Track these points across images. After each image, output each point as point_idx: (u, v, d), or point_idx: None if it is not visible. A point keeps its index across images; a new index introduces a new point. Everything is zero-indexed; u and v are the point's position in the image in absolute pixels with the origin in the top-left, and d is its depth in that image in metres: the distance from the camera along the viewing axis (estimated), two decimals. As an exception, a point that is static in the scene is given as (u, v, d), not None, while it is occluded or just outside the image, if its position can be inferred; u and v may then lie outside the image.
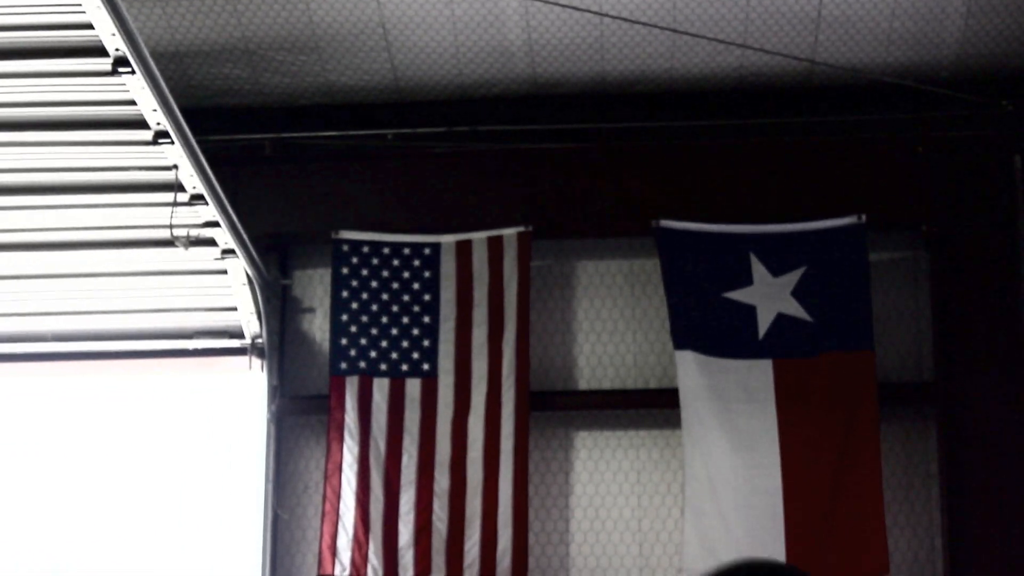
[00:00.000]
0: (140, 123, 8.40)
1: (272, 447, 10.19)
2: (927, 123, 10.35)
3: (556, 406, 10.24)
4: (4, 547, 10.75)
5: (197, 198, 8.90)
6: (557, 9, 9.31)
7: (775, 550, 9.47)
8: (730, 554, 8.85)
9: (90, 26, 7.62)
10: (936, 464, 10.07)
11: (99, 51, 7.85)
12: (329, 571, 9.67)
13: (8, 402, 11.02)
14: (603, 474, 10.18)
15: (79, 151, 8.83)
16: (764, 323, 9.98)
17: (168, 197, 8.95)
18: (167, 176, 8.81)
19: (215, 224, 9.14)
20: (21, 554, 10.78)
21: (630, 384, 10.30)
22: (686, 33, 9.70)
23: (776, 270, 10.05)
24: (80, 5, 7.40)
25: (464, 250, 10.04)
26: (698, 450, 9.73)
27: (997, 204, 10.32)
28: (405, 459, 9.81)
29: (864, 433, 9.80)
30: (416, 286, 10.01)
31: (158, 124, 8.38)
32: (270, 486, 10.15)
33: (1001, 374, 10.10)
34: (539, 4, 9.30)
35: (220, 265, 9.58)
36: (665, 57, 10.12)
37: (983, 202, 10.31)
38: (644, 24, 9.54)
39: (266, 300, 10.02)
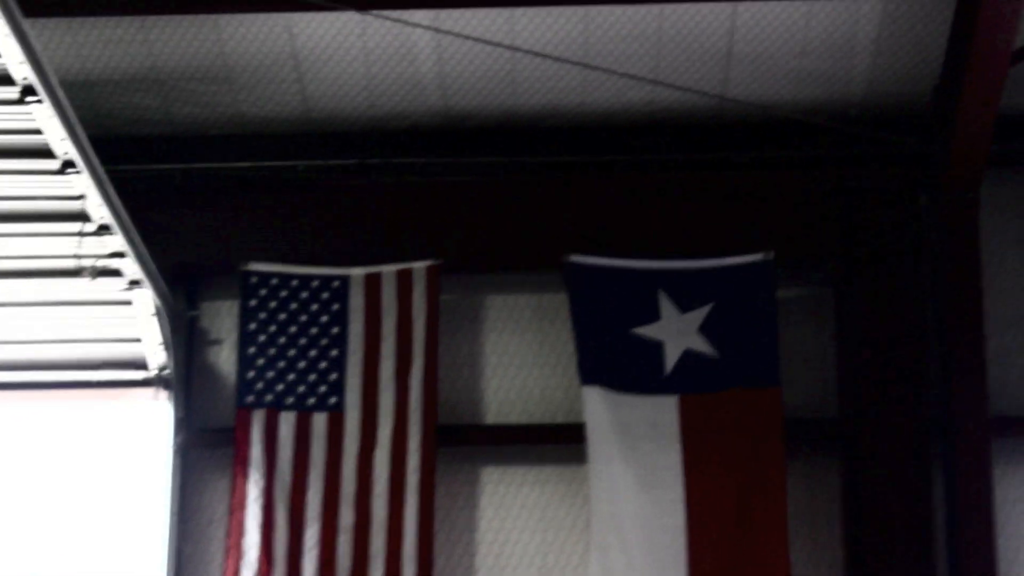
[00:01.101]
0: (48, 152, 8.35)
1: (177, 480, 10.13)
2: (836, 161, 10.44)
3: (463, 441, 10.26)
4: None
5: (104, 228, 8.85)
6: (469, 42, 9.38)
7: None
8: None
9: None
10: (839, 500, 10.15)
11: (6, 79, 7.80)
12: None
13: None
14: (509, 509, 10.21)
15: None
16: (671, 359, 10.03)
17: (75, 227, 8.92)
18: (74, 206, 8.75)
19: (122, 255, 9.08)
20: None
21: (537, 419, 10.34)
22: (597, 68, 9.73)
23: (684, 306, 10.10)
24: None
25: (373, 283, 10.05)
26: (603, 486, 9.76)
27: (902, 242, 10.39)
28: (310, 494, 9.79)
29: (769, 469, 9.87)
30: (324, 319, 9.99)
31: (66, 153, 8.33)
32: (174, 519, 10.08)
33: (903, 412, 10.18)
34: (451, 37, 9.36)
35: (127, 296, 9.49)
36: (576, 91, 10.17)
37: (889, 240, 10.38)
38: (555, 59, 9.57)
39: (173, 331, 9.96)
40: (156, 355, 9.96)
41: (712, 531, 9.79)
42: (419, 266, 10.06)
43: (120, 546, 10.41)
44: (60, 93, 8.08)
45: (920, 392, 10.23)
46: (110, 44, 9.53)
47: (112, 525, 10.48)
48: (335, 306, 10.03)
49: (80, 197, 8.72)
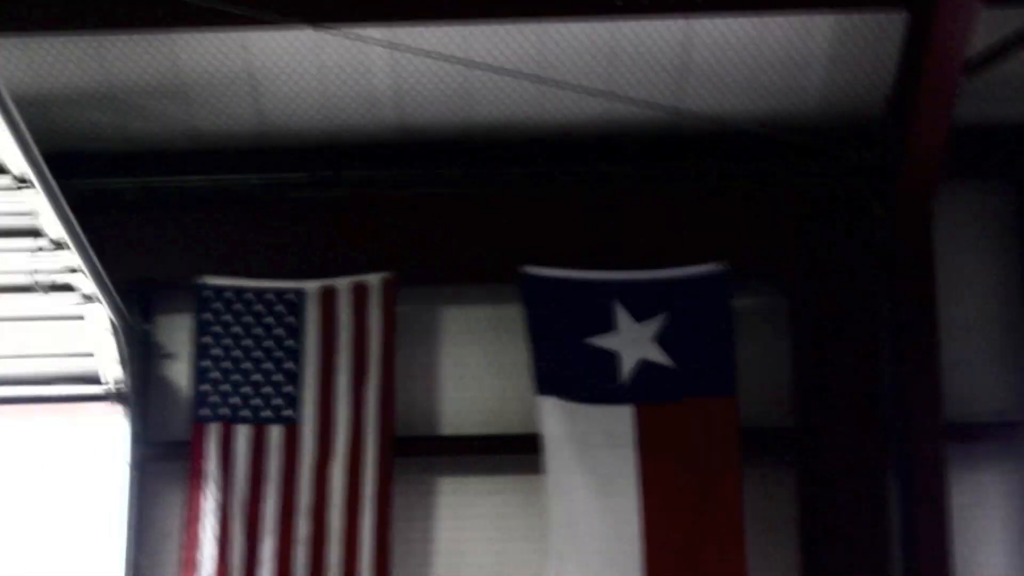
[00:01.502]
0: (1, 169, 8.36)
1: (134, 493, 10.17)
2: (790, 173, 10.47)
3: (418, 452, 10.29)
4: None
5: (58, 244, 8.86)
6: (424, 58, 9.37)
7: None
8: None
9: None
10: (794, 508, 10.19)
11: None
12: None
13: None
14: (465, 520, 10.26)
15: None
16: (626, 369, 10.09)
17: (29, 243, 8.93)
18: (28, 221, 8.76)
19: (76, 270, 9.11)
20: None
21: (493, 430, 10.38)
22: (552, 82, 9.75)
23: (639, 316, 10.15)
24: None
25: (328, 296, 10.09)
26: (560, 495, 9.81)
27: (857, 252, 10.46)
28: (266, 506, 9.84)
29: (726, 478, 9.95)
30: (279, 332, 10.03)
31: (20, 170, 8.32)
32: (131, 532, 10.12)
33: (859, 420, 10.26)
34: (407, 53, 9.38)
35: (81, 311, 9.52)
36: (532, 105, 10.20)
37: (843, 250, 10.45)
38: (511, 73, 9.61)
39: (128, 345, 10.02)
40: (111, 370, 9.99)
41: (669, 539, 9.85)
42: (375, 279, 10.12)
43: (78, 559, 10.43)
44: (13, 109, 8.06)
45: (875, 400, 10.30)
46: (63, 60, 9.54)
47: (70, 538, 10.52)
48: (290, 319, 10.07)
49: (33, 213, 8.70)
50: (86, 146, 10.19)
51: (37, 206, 8.63)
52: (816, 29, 9.99)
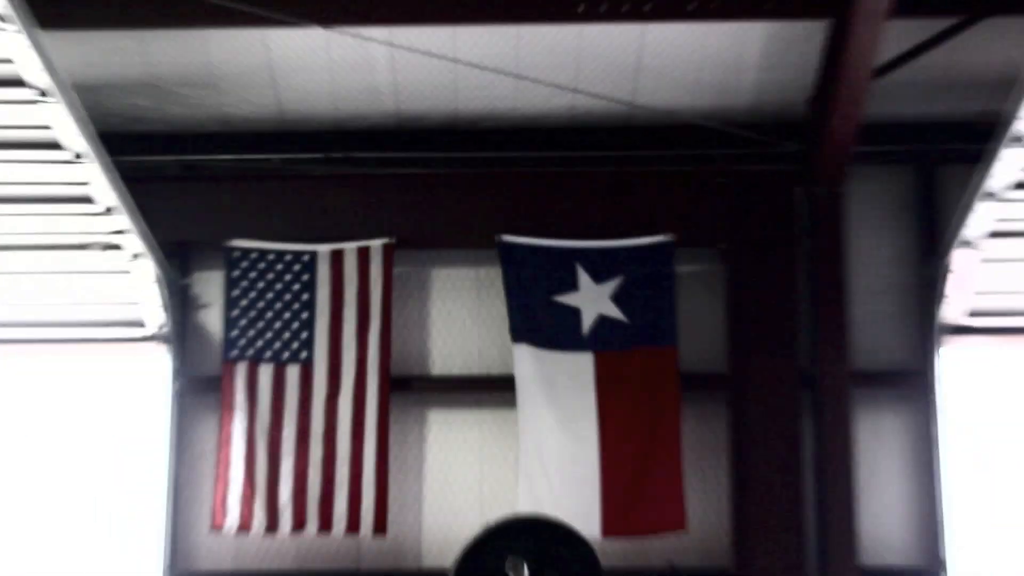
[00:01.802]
0: (59, 145, 8.43)
1: (175, 420, 10.19)
2: (726, 159, 10.47)
3: (413, 389, 10.34)
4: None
5: (110, 209, 8.94)
6: (419, 55, 9.34)
7: (592, 510, 9.72)
8: (556, 513, 9.02)
9: (10, 60, 7.67)
10: (725, 439, 10.26)
11: (26, 84, 7.90)
12: (220, 524, 9.74)
13: None
14: (451, 445, 10.29)
15: (2, 171, 8.78)
16: (587, 322, 10.09)
17: (85, 208, 8.99)
18: (85, 191, 8.84)
19: (126, 232, 9.19)
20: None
21: (475, 371, 10.40)
22: (526, 78, 9.74)
23: (598, 279, 10.17)
24: (13, 51, 7.51)
25: (337, 258, 10.09)
26: (530, 426, 9.85)
27: (780, 227, 10.49)
28: (285, 432, 9.85)
29: (668, 414, 9.98)
30: (296, 287, 10.05)
31: (77, 146, 8.43)
32: (173, 452, 10.16)
33: (779, 367, 10.29)
34: (404, 51, 9.34)
35: (129, 267, 9.57)
36: (509, 98, 10.19)
37: (768, 225, 10.48)
38: (491, 70, 9.57)
39: (169, 296, 10.03)
40: (155, 316, 10.03)
41: (621, 463, 9.88)
42: (376, 243, 10.11)
43: (129, 473, 10.48)
44: (72, 95, 8.22)
45: (793, 351, 10.34)
46: (114, 54, 9.52)
47: (122, 457, 10.54)
48: (305, 276, 10.08)
49: (88, 183, 8.76)
50: (132, 128, 10.12)
51: (92, 178, 8.72)
52: (749, 36, 9.98)
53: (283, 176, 10.50)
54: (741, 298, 10.42)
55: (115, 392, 10.72)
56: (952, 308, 10.23)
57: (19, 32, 7.51)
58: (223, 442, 9.85)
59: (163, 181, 10.35)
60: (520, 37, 9.77)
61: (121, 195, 8.90)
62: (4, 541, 10.48)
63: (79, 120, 8.33)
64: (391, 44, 9.24)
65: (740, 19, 9.71)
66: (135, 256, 9.44)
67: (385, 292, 10.03)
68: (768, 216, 10.50)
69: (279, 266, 10.07)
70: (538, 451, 9.82)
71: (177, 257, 10.31)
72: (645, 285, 10.17)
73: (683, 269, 10.32)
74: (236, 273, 10.03)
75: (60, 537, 10.54)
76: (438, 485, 10.23)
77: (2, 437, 10.63)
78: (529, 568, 4.65)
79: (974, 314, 10.33)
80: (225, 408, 9.90)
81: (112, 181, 8.78)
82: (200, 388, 10.28)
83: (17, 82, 7.91)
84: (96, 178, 8.70)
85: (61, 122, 8.26)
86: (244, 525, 9.71)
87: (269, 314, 10.01)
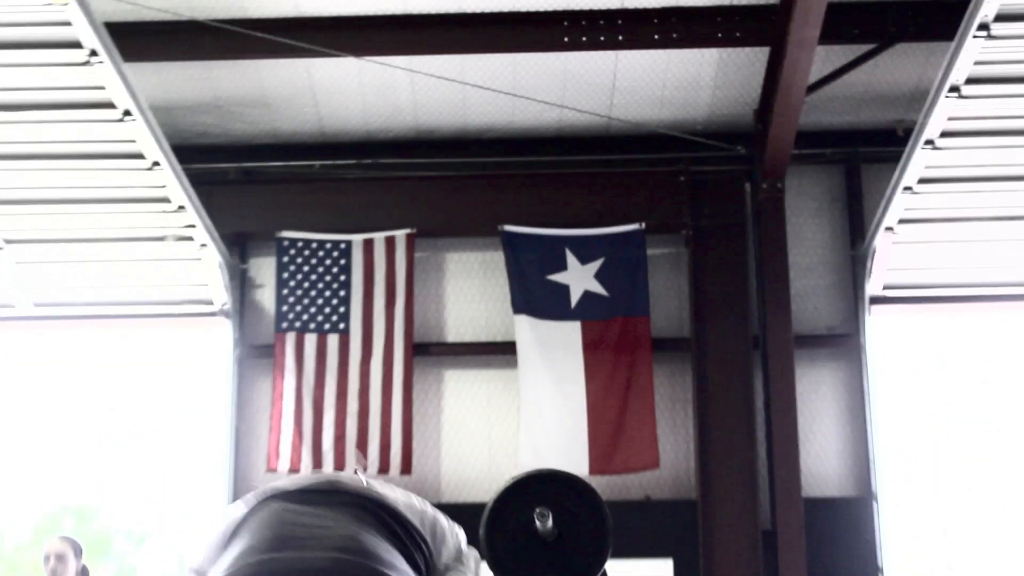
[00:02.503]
0: (140, 156, 8.58)
1: (235, 381, 10.24)
2: (687, 161, 10.45)
3: (432, 353, 10.34)
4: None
5: (182, 207, 9.03)
6: (434, 79, 9.38)
7: (581, 453, 9.75)
8: (551, 455, 9.15)
9: (103, 87, 7.86)
10: (690, 393, 10.30)
11: (111, 105, 8.07)
12: (274, 467, 9.80)
13: (50, 351, 11.08)
14: (464, 400, 10.31)
15: (95, 176, 8.91)
16: (575, 296, 10.10)
17: (162, 207, 9.09)
18: (161, 192, 8.95)
19: (194, 226, 9.27)
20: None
21: (483, 338, 10.39)
22: (522, 97, 9.77)
23: (583, 260, 10.16)
24: (104, 79, 7.73)
25: (368, 246, 10.10)
26: (529, 384, 9.86)
27: (733, 216, 10.52)
28: (327, 390, 9.87)
29: (642, 372, 10.00)
30: (335, 270, 10.05)
31: (154, 156, 8.58)
32: (234, 409, 10.22)
33: (734, 333, 10.34)
34: (421, 76, 9.39)
35: (198, 254, 9.63)
36: (507, 114, 10.18)
37: (723, 215, 10.49)
38: (493, 90, 9.61)
39: (231, 279, 10.07)
40: (219, 295, 10.06)
41: (603, 414, 9.90)
42: (400, 233, 10.12)
43: (199, 425, 10.68)
44: (149, 115, 8.34)
45: (745, 318, 10.39)
46: (184, 81, 9.55)
47: (191, 413, 10.74)
48: (342, 261, 10.09)
49: (163, 186, 8.89)
50: (199, 141, 10.17)
51: (167, 182, 8.84)
52: (704, 61, 9.99)
53: (323, 179, 10.51)
54: (701, 275, 10.41)
55: (188, 358, 10.85)
56: (875, 282, 10.25)
57: (109, 64, 7.71)
58: (275, 399, 9.90)
59: (225, 184, 10.35)
60: (516, 63, 9.80)
61: (190, 196, 8.99)
62: (97, 479, 10.61)
63: (156, 135, 8.45)
64: (411, 70, 9.29)
65: (697, 47, 9.72)
66: (202, 246, 9.50)
67: (408, 273, 10.05)
68: (722, 208, 10.50)
69: (321, 253, 10.07)
70: (536, 404, 9.84)
71: (237, 246, 10.33)
72: (622, 265, 10.17)
73: (653, 252, 10.32)
74: (286, 259, 10.05)
75: (145, 478, 10.67)
76: (453, 433, 10.26)
77: (97, 394, 10.76)
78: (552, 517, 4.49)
79: (892, 287, 10.34)
80: (277, 371, 9.93)
81: (183, 185, 8.88)
82: (256, 355, 10.30)
83: (108, 104, 8.06)
84: (170, 182, 8.81)
85: (142, 137, 8.38)
86: (294, 467, 9.75)
87: (313, 292, 10.00)
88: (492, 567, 4.68)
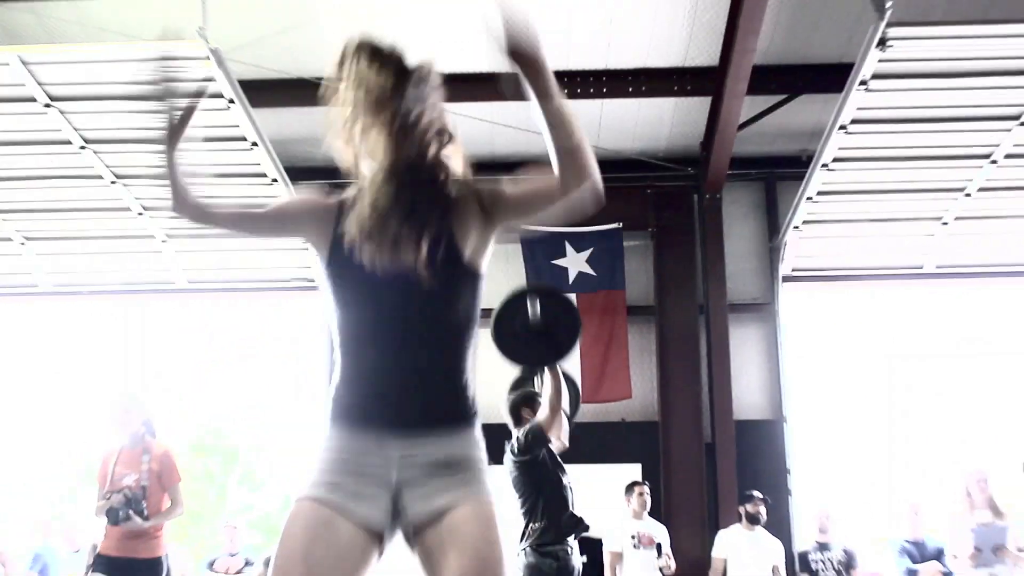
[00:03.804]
0: (264, 175, 8.73)
1: (331, 347, 10.02)
2: (653, 179, 10.50)
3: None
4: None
5: None
6: (469, 118, 9.01)
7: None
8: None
9: (237, 126, 7.93)
10: (654, 345, 10.39)
11: (242, 139, 8.18)
12: None
13: (199, 317, 11.31)
14: (491, 350, 10.34)
15: (230, 190, 8.55)
16: (572, 275, 10.15)
17: None
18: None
19: None
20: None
21: None
22: (535, 132, 9.60)
23: (578, 250, 10.19)
24: (238, 119, 7.82)
25: None
26: None
27: (685, 219, 10.57)
28: None
29: (620, 330, 10.08)
30: None
31: (273, 174, 8.74)
32: (330, 368, 10.15)
33: (686, 303, 10.42)
34: (461, 116, 9.27)
35: (304, 246, 9.54)
36: (524, 144, 9.09)
37: (678, 218, 10.56)
38: (513, 127, 9.41)
39: None
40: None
41: (592, 360, 9.91)
42: None
43: (301, 376, 10.89)
44: (269, 146, 8.46)
45: (693, 292, 10.45)
46: (295, 121, 9.32)
47: (294, 370, 10.84)
48: None
49: (279, 196, 8.85)
50: (306, 164, 9.62)
51: (282, 193, 8.88)
52: (665, 107, 10.01)
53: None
54: (662, 261, 10.49)
55: (292, 326, 11.00)
56: (786, 265, 10.36)
57: (241, 109, 7.90)
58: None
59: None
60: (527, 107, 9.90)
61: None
62: (230, 408, 10.89)
63: (275, 160, 8.60)
64: (456, 113, 9.22)
65: (660, 97, 9.77)
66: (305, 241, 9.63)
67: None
68: (677, 212, 10.56)
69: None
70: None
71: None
72: (605, 253, 10.21)
73: (627, 244, 10.34)
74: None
75: (263, 408, 10.87)
76: (486, 383, 10.42)
77: (233, 344, 10.97)
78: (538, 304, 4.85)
79: (798, 269, 10.45)
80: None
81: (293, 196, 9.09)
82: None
83: (240, 138, 8.21)
84: (284, 194, 8.75)
85: (265, 161, 8.51)
86: None
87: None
88: (499, 349, 5.03)
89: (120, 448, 6.25)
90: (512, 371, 6.82)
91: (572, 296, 9.87)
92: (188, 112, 2.65)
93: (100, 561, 6.03)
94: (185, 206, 2.67)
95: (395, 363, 2.58)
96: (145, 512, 5.99)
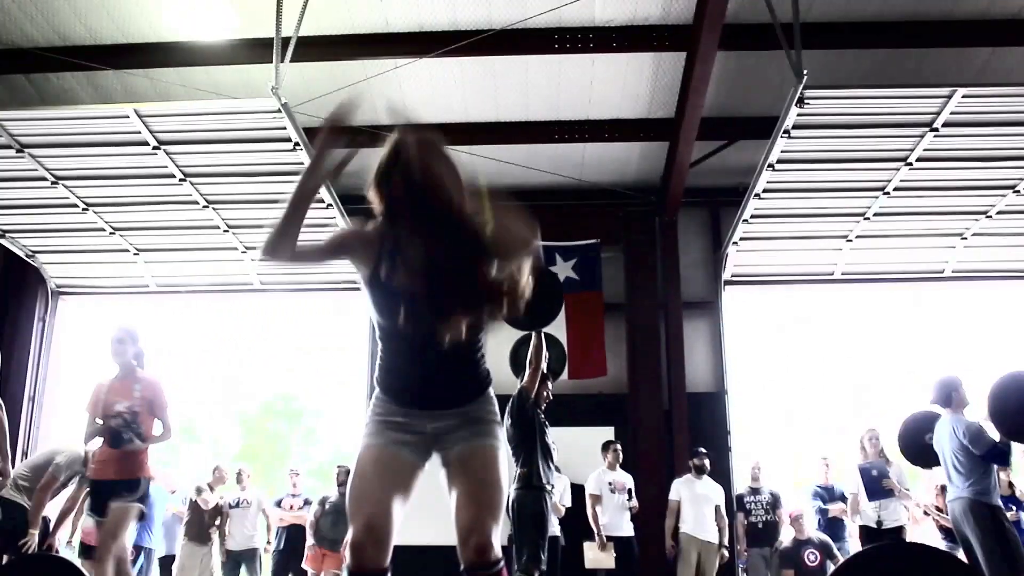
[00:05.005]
0: (322, 201, 8.60)
1: (373, 337, 10.01)
2: (624, 205, 10.44)
3: None
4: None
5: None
6: (481, 158, 9.15)
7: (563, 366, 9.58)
8: (545, 365, 9.24)
9: (301, 163, 7.81)
10: (624, 334, 10.31)
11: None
12: None
13: (269, 311, 11.25)
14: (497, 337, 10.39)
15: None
16: (561, 279, 10.05)
17: (330, 231, 9.20)
18: (332, 222, 8.90)
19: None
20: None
21: None
22: (535, 168, 9.72)
23: (565, 259, 10.13)
24: (303, 158, 7.66)
25: None
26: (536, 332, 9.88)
27: (648, 236, 10.51)
28: None
29: (597, 322, 9.95)
30: None
31: (328, 200, 8.63)
32: (371, 360, 10.15)
33: (649, 301, 10.33)
34: (475, 156, 9.09)
35: None
36: (525, 176, 9.97)
37: (643, 235, 10.50)
38: (518, 164, 9.59)
39: None
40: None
41: (576, 345, 9.86)
42: None
43: (351, 360, 10.62)
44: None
45: (655, 293, 10.39)
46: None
47: (345, 351, 10.77)
48: None
49: (334, 218, 8.90)
50: (354, 192, 9.96)
51: (335, 215, 8.85)
52: (633, 149, 10.00)
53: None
54: (630, 269, 10.44)
55: (345, 321, 10.92)
56: (727, 272, 10.35)
57: (304, 150, 7.81)
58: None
59: (366, 216, 10.29)
60: (531, 150, 9.79)
61: (347, 221, 8.86)
62: (294, 376, 10.83)
63: (331, 190, 8.64)
64: (474, 154, 9.08)
65: (629, 141, 9.77)
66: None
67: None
68: (642, 231, 10.50)
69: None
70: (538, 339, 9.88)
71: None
72: (587, 263, 10.14)
73: (604, 255, 10.29)
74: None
75: (321, 377, 10.72)
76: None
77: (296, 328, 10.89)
78: None
79: (737, 275, 10.44)
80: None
81: (344, 216, 8.82)
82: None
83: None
84: (337, 215, 8.83)
85: (322, 191, 8.61)
86: None
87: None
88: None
89: (111, 378, 5.40)
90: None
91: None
92: (331, 176, 2.89)
93: (93, 485, 5.28)
94: (283, 253, 2.82)
95: (420, 361, 2.90)
96: (143, 435, 5.20)
